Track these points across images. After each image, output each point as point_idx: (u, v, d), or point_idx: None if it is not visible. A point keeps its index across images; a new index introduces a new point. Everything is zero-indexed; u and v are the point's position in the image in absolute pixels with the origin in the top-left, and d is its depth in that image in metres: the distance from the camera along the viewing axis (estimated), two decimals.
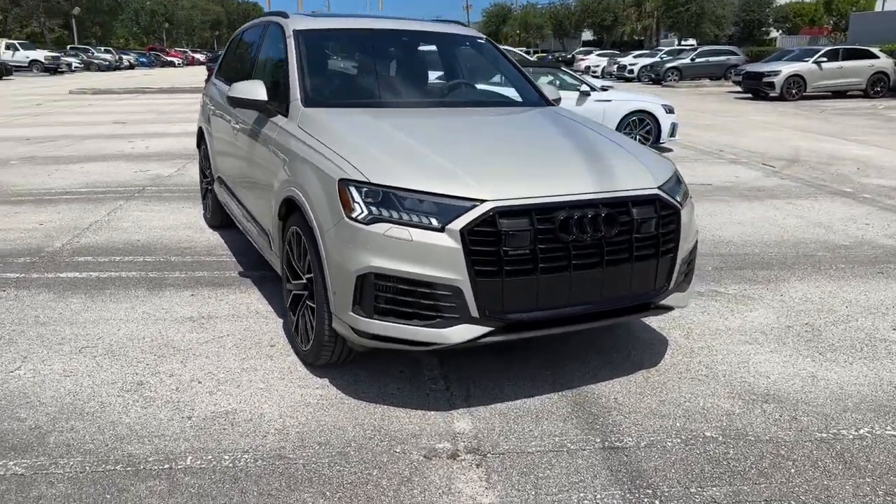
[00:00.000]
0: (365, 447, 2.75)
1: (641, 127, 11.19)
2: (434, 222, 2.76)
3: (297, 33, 4.19)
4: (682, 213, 3.20)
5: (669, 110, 11.29)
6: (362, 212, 2.83)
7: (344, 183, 2.91)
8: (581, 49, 55.52)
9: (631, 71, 35.66)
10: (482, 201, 2.78)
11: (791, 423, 2.98)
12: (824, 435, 2.90)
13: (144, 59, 61.40)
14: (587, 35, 72.80)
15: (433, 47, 4.77)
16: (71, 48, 55.96)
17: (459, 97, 4.46)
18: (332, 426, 2.90)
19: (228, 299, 4.31)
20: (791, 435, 2.89)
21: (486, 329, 2.83)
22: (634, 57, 38.44)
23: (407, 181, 2.86)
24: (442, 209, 2.79)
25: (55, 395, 3.10)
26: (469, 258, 2.75)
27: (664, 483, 2.55)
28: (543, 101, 4.42)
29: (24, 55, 44.34)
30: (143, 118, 15.67)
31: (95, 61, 51.45)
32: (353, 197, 2.87)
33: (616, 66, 37.44)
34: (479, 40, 4.77)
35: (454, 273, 2.75)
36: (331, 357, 3.25)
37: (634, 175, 3.18)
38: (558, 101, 4.59)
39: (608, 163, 3.27)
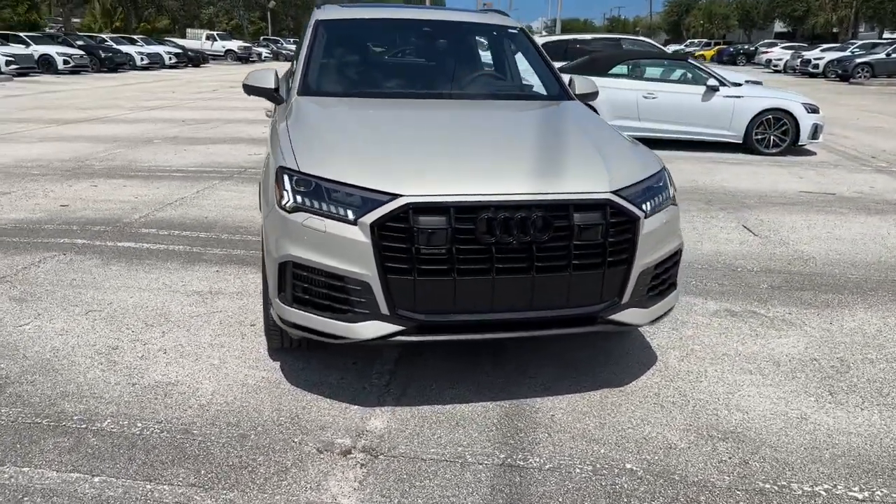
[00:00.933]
0: (268, 433, 2.79)
1: (777, 127, 10.22)
2: (350, 215, 2.72)
3: (319, 23, 4.28)
4: (643, 222, 2.90)
5: (812, 109, 10.21)
6: (289, 200, 2.85)
7: (280, 171, 2.95)
8: (766, 41, 51.42)
9: (816, 66, 32.50)
10: (397, 196, 2.70)
11: (736, 468, 2.63)
12: (767, 486, 2.53)
13: None
14: (778, 27, 67.36)
15: (459, 37, 4.66)
16: (263, 39, 60.90)
17: (468, 89, 4.32)
18: (252, 408, 2.97)
19: (245, 278, 4.52)
20: (727, 481, 2.55)
21: (396, 328, 2.75)
22: (822, 51, 34.99)
23: (334, 173, 2.84)
24: (362, 202, 2.74)
25: (39, 351, 3.43)
26: (379, 253, 2.68)
27: None
28: (564, 94, 4.18)
29: (220, 45, 48.85)
30: None
31: (283, 51, 55.50)
32: (284, 185, 2.89)
33: (800, 60, 34.31)
34: (511, 30, 4.59)
35: (363, 268, 2.70)
36: (280, 343, 3.31)
37: (587, 178, 2.93)
38: (591, 95, 4.33)
39: (565, 163, 3.04)
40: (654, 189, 3.07)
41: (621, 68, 10.88)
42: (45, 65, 29.53)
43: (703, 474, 2.58)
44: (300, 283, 2.84)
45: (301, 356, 3.41)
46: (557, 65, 11.27)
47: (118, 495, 2.39)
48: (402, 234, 2.67)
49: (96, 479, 2.47)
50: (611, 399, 3.12)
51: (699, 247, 5.44)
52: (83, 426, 2.79)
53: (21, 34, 31.28)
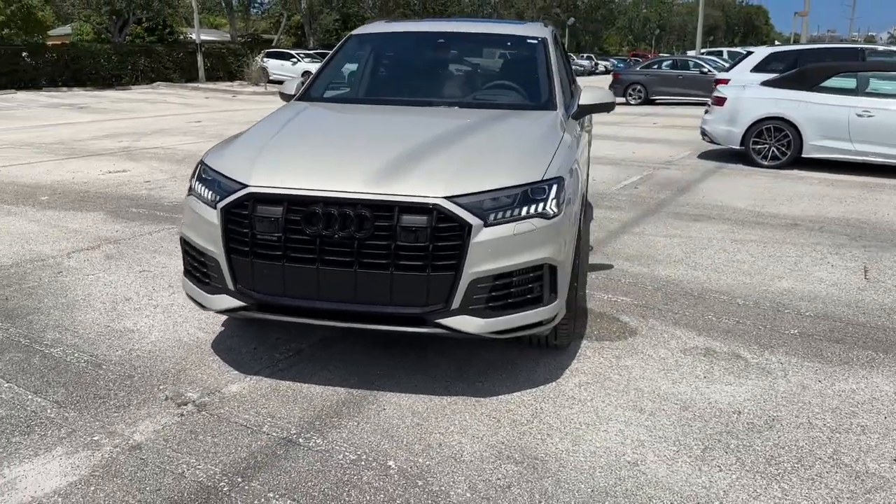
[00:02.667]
0: (149, 378, 3.32)
1: None
2: (212, 200, 3.14)
3: (351, 37, 4.73)
4: (477, 230, 2.86)
5: None
6: (189, 185, 3.37)
7: (201, 160, 3.48)
8: None
9: None
10: (245, 186, 3.05)
11: (499, 490, 2.52)
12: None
13: (621, 65, 64.90)
14: None
15: (473, 48, 4.74)
16: None
17: (455, 98, 4.37)
18: (163, 358, 3.53)
19: None
20: (469, 498, 2.47)
21: (240, 303, 3.10)
22: None
23: (218, 164, 3.28)
24: (221, 190, 3.14)
25: (77, 294, 4.40)
26: (226, 235, 3.06)
27: (251, 478, 2.55)
28: (549, 105, 4.07)
29: None
30: None
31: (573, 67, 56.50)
32: (194, 172, 3.42)
33: None
34: (531, 40, 4.55)
35: (214, 246, 3.11)
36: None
37: (428, 182, 2.96)
38: (598, 106, 4.18)
39: (425, 167, 3.07)
40: (516, 198, 2.98)
41: (843, 81, 9.51)
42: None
43: (448, 486, 2.52)
44: (186, 257, 3.33)
45: (246, 326, 3.89)
46: (767, 77, 10.25)
47: (7, 397, 3.11)
48: (244, 219, 3.02)
49: (6, 385, 3.22)
50: (454, 407, 3.09)
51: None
52: (41, 349, 3.60)
53: (291, 51, 35.04)
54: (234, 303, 3.11)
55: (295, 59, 31.68)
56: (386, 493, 2.48)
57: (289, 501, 2.44)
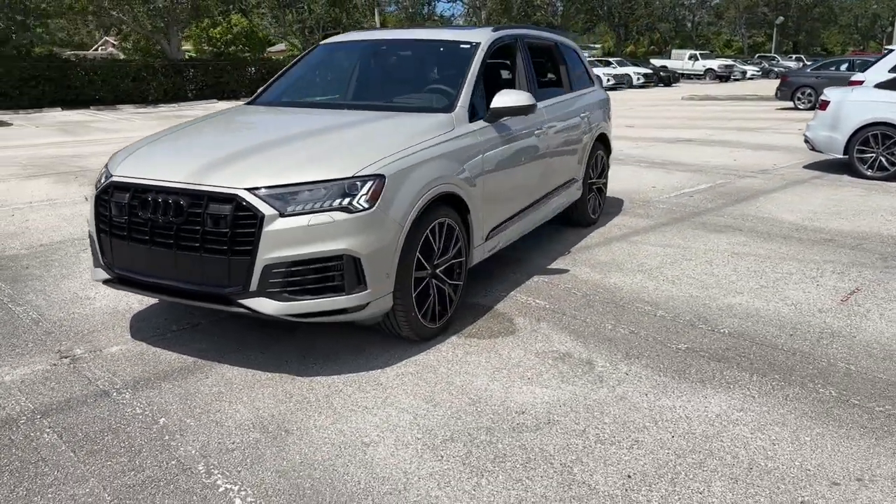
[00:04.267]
0: (62, 333, 3.97)
1: None
2: (94, 188, 3.73)
3: (319, 45, 5.17)
4: (272, 220, 3.16)
5: None
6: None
7: None
8: None
9: None
10: (111, 175, 3.60)
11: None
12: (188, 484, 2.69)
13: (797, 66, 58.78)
14: None
15: (411, 55, 4.92)
16: (758, 56, 58.27)
17: (365, 101, 4.59)
18: (81, 317, 4.19)
19: None
20: (156, 472, 2.79)
21: (108, 276, 3.65)
22: None
23: (112, 159, 3.86)
24: (101, 179, 3.72)
25: (83, 266, 5.24)
26: (96, 217, 3.63)
27: (47, 415, 3.04)
28: (448, 108, 4.18)
29: (701, 64, 48.73)
30: (664, 123, 16.65)
31: (775, 69, 52.31)
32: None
33: None
34: (464, 45, 4.64)
35: (91, 227, 3.69)
36: None
37: (243, 175, 3.28)
38: (511, 109, 4.24)
39: (248, 161, 3.41)
40: (322, 192, 3.23)
41: None
42: None
43: (184, 443, 2.85)
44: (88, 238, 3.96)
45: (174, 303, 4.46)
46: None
47: None
48: (106, 204, 3.57)
49: None
50: (266, 382, 3.39)
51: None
52: (10, 306, 4.42)
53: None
54: (104, 276, 3.66)
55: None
56: (132, 442, 2.87)
57: (55, 435, 2.91)
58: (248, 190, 3.21)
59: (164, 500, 2.49)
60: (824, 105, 9.03)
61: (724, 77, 46.83)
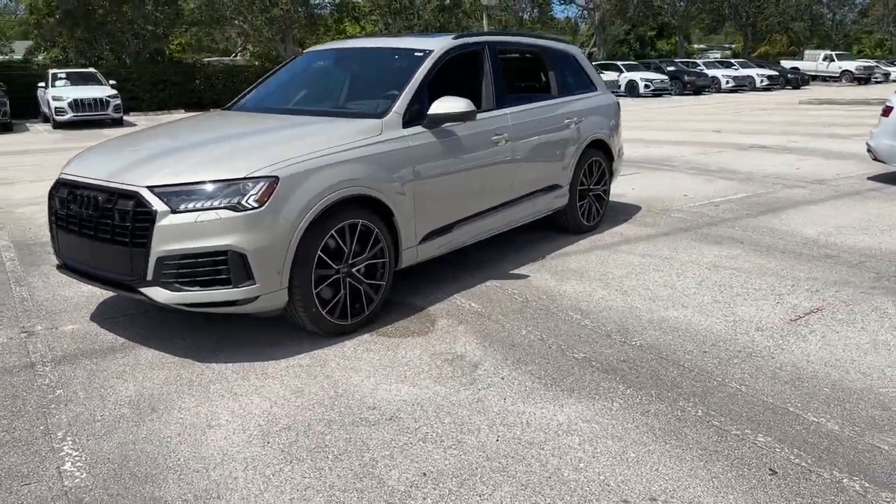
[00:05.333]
0: (35, 310, 4.50)
1: None
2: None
3: (304, 53, 5.49)
4: (162, 216, 3.48)
5: None
6: None
7: None
8: None
9: None
10: (60, 173, 4.07)
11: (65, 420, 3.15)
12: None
13: None
14: None
15: (368, 62, 5.09)
16: None
17: (310, 107, 4.86)
18: (63, 298, 4.71)
19: None
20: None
21: (59, 263, 4.12)
22: None
23: (73, 157, 4.33)
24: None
25: None
26: (48, 209, 4.11)
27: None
28: (382, 114, 4.35)
29: (837, 66, 45.32)
30: (754, 128, 15.84)
31: None
32: None
33: None
34: (416, 53, 4.76)
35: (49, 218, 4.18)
36: None
37: (145, 174, 3.63)
38: (449, 116, 4.39)
39: (163, 160, 3.78)
40: (213, 191, 3.52)
41: None
42: (630, 89, 33.86)
43: (55, 413, 3.21)
44: None
45: None
46: None
47: None
48: (54, 198, 4.03)
49: None
50: (167, 366, 3.71)
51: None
52: (11, 281, 5.03)
53: (617, 62, 36.31)
54: (57, 262, 4.14)
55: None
56: (23, 406, 3.26)
57: None
58: (148, 188, 3.55)
59: (9, 457, 2.84)
60: (888, 111, 8.34)
61: (863, 79, 43.29)
